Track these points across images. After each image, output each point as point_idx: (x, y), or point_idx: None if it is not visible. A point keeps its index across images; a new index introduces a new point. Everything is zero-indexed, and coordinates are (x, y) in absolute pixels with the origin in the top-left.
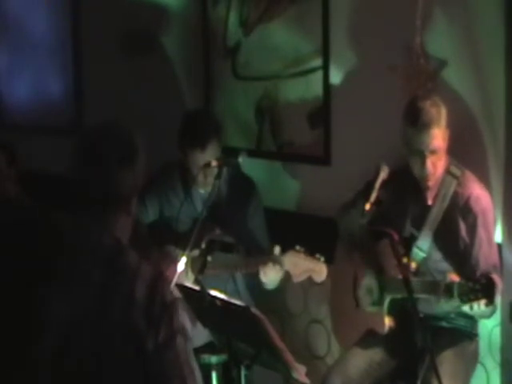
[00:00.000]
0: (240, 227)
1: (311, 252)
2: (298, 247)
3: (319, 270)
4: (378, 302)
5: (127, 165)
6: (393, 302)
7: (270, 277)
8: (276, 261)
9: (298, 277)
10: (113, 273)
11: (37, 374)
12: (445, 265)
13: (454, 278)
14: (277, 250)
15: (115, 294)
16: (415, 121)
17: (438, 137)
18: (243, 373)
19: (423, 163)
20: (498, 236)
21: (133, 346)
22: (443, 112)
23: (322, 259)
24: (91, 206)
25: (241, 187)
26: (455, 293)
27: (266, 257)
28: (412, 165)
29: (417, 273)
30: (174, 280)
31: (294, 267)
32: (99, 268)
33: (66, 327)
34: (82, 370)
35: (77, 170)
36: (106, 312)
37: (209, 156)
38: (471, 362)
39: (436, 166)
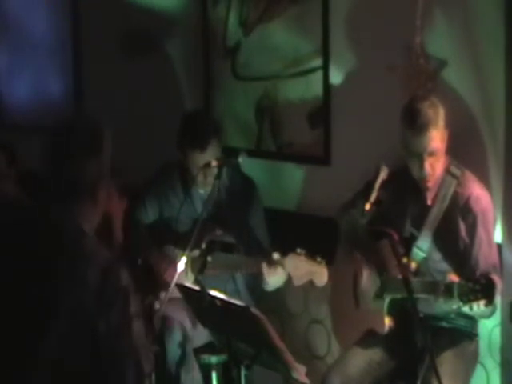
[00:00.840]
0: (240, 227)
1: (312, 255)
2: (299, 250)
3: (320, 274)
4: (378, 300)
5: (89, 155)
6: (393, 302)
7: (272, 279)
8: (277, 263)
9: (299, 280)
10: (70, 258)
11: (37, 373)
12: (445, 265)
13: (454, 278)
14: (275, 256)
15: (71, 279)
16: (412, 123)
17: (435, 138)
18: (243, 373)
19: (421, 165)
20: (498, 236)
21: (84, 329)
22: (441, 113)
23: (323, 263)
24: (56, 196)
25: (241, 187)
26: (455, 293)
27: (267, 259)
28: (411, 166)
29: (417, 273)
30: (174, 280)
31: (295, 270)
32: (61, 255)
33: (64, 324)
34: (79, 369)
35: (43, 163)
36: (61, 296)
37: (209, 156)
38: (471, 362)
39: (434, 167)
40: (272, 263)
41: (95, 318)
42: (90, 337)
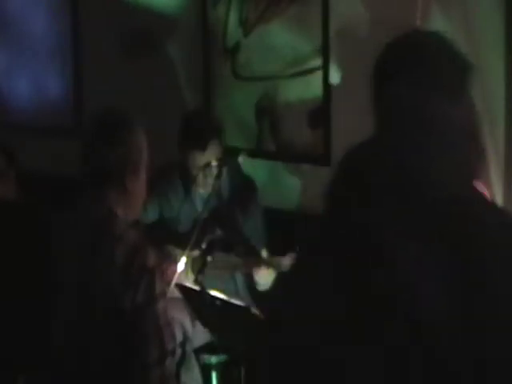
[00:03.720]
0: (240, 227)
1: None
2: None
3: None
4: None
5: (108, 143)
6: None
7: (262, 278)
8: (265, 263)
9: None
10: (99, 239)
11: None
12: None
13: None
14: (264, 254)
15: (97, 259)
16: None
17: None
18: (243, 373)
19: None
20: None
21: (110, 306)
22: None
23: None
24: (89, 183)
25: (242, 187)
26: None
27: (261, 259)
28: None
29: None
30: (174, 280)
31: None
32: (88, 236)
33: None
34: (71, 328)
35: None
36: (89, 275)
37: (209, 156)
38: None
39: None
40: (260, 263)
41: (121, 297)
42: (116, 313)
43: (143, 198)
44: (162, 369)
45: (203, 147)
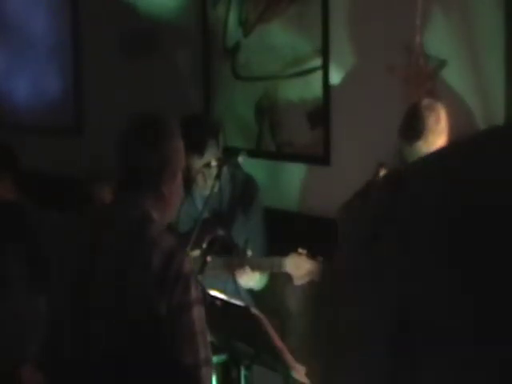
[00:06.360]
0: (241, 226)
1: (313, 254)
2: (300, 249)
3: None
4: None
5: (150, 146)
6: None
7: (243, 280)
8: (248, 263)
9: (300, 279)
10: (135, 243)
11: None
12: None
13: None
14: (249, 252)
15: (133, 261)
16: (408, 134)
17: (427, 150)
18: (243, 373)
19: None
20: None
21: (145, 309)
22: (441, 123)
23: None
24: (120, 184)
25: (243, 187)
26: None
27: (238, 259)
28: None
29: None
30: None
31: (296, 269)
32: (122, 237)
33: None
34: (107, 330)
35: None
36: (124, 276)
37: (207, 159)
38: None
39: None
40: (242, 263)
41: (156, 301)
42: (150, 318)
43: (178, 203)
44: (196, 377)
45: (200, 153)
